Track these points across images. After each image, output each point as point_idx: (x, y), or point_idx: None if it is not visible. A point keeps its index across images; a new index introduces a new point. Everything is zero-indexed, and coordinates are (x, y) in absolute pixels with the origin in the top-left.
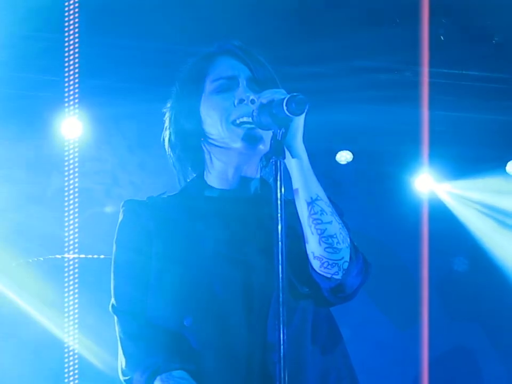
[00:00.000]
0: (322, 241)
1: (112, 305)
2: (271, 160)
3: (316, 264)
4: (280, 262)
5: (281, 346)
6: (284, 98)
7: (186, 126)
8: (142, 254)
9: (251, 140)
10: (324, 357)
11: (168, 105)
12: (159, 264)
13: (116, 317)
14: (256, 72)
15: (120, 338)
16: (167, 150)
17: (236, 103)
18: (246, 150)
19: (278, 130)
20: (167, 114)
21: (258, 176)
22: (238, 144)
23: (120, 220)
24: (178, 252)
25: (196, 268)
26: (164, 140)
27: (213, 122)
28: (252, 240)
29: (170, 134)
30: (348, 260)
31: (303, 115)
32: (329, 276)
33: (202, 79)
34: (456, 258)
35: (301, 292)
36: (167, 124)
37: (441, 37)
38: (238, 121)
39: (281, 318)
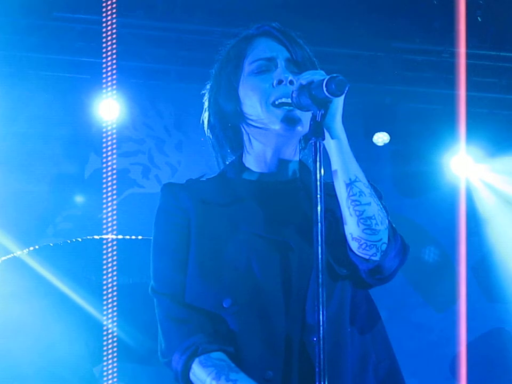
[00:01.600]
0: (361, 223)
1: (152, 287)
2: (310, 141)
3: (354, 245)
4: (319, 243)
5: (321, 327)
6: (324, 79)
7: (225, 107)
8: (181, 237)
9: (290, 121)
10: (363, 338)
11: (208, 86)
12: (198, 246)
13: (155, 299)
14: (295, 53)
15: (160, 320)
16: (206, 131)
17: (274, 84)
18: (284, 132)
19: (318, 111)
20: (206, 96)
21: (297, 158)
22: (276, 126)
23: (159, 203)
24: (216, 234)
25: (234, 250)
26: (203, 121)
27: (251, 103)
28: (289, 222)
29: (209, 115)
30: (386, 242)
31: (343, 96)
32: (367, 257)
33: (241, 61)
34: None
35: (339, 273)
36: (206, 105)
37: (479, 18)
38: (277, 102)
39: (320, 299)
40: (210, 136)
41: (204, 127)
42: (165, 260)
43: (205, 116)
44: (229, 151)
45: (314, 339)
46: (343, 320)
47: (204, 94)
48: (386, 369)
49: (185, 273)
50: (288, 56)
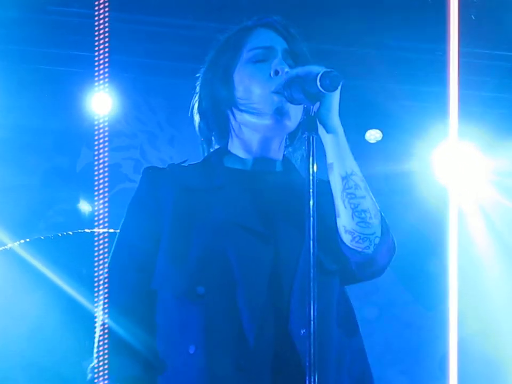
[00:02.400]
0: (355, 216)
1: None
2: (303, 136)
3: (346, 238)
4: (311, 238)
5: (312, 322)
6: (318, 74)
7: (219, 91)
8: (151, 225)
9: (281, 113)
10: (340, 337)
11: (202, 70)
12: (173, 232)
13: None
14: (293, 46)
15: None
16: (195, 115)
17: (272, 74)
18: (274, 124)
19: (311, 106)
20: (200, 80)
21: (281, 154)
22: (268, 117)
23: (136, 188)
24: (193, 220)
25: (210, 237)
26: (193, 106)
27: (246, 90)
28: (271, 214)
29: (201, 99)
30: (379, 235)
31: (338, 91)
32: (360, 249)
33: (240, 48)
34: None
35: (328, 268)
36: (198, 89)
37: (472, 16)
38: (274, 93)
39: (311, 294)
40: (199, 120)
41: (193, 111)
42: (128, 247)
43: (196, 99)
44: (213, 138)
45: (303, 331)
46: (331, 317)
47: (197, 79)
48: (359, 371)
49: (148, 263)
50: (287, 47)
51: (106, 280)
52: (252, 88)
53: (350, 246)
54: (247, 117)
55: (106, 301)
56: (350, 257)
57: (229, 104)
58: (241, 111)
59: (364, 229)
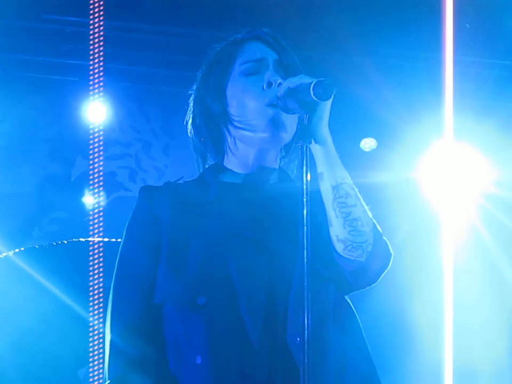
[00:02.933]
0: (347, 224)
1: (114, 288)
2: (297, 145)
3: (339, 247)
4: (305, 247)
5: (306, 331)
6: (311, 83)
7: (212, 107)
8: (150, 242)
9: (276, 126)
10: (343, 345)
11: (194, 87)
12: (172, 247)
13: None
14: (284, 57)
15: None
16: (189, 132)
17: (264, 87)
18: (269, 137)
19: (305, 115)
20: (192, 97)
21: (277, 165)
22: (263, 129)
23: (134, 207)
24: (192, 234)
25: (208, 247)
26: (187, 122)
27: (240, 104)
28: (268, 225)
29: (195, 116)
30: (372, 243)
31: (330, 100)
32: (352, 258)
33: (231, 63)
34: None
35: (324, 275)
36: (191, 106)
37: (467, 25)
38: (268, 105)
39: (305, 302)
40: (194, 137)
41: (187, 128)
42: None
43: (189, 116)
44: (208, 154)
45: (298, 339)
46: (326, 325)
47: (190, 95)
48: (365, 375)
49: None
50: (277, 58)
51: (111, 299)
52: (246, 102)
53: (343, 255)
54: (242, 133)
55: (112, 319)
56: (344, 266)
57: (224, 121)
58: (237, 127)
59: (356, 237)
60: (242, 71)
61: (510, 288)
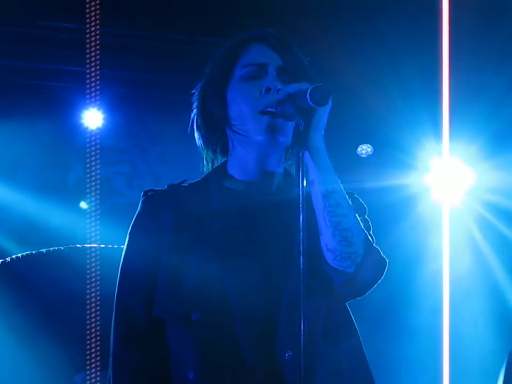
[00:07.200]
0: (337, 234)
1: (117, 296)
2: (293, 151)
3: (329, 256)
4: (301, 253)
5: (301, 338)
6: (308, 89)
7: (212, 109)
8: (152, 251)
9: (272, 131)
10: (337, 353)
11: (199, 85)
12: (172, 256)
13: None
14: (288, 61)
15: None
16: (195, 132)
17: (263, 93)
18: (266, 142)
19: (301, 121)
20: (196, 97)
21: (281, 169)
22: (259, 135)
23: (137, 212)
24: (192, 245)
25: (208, 261)
26: (192, 121)
27: (238, 109)
28: (269, 237)
29: (197, 117)
30: (362, 254)
31: (328, 106)
32: (341, 269)
33: (233, 64)
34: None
35: (313, 288)
36: (194, 105)
37: (464, 32)
38: (264, 111)
39: (302, 310)
40: (197, 136)
41: (193, 126)
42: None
43: (194, 115)
44: (211, 155)
45: (287, 355)
46: (316, 336)
47: (189, 102)
48: (362, 381)
49: (152, 287)
50: (281, 63)
51: (115, 308)
52: (242, 106)
53: (332, 265)
54: (239, 138)
55: (115, 329)
56: (333, 277)
57: (223, 123)
58: (234, 132)
59: (345, 247)
60: (242, 74)
61: (508, 296)
